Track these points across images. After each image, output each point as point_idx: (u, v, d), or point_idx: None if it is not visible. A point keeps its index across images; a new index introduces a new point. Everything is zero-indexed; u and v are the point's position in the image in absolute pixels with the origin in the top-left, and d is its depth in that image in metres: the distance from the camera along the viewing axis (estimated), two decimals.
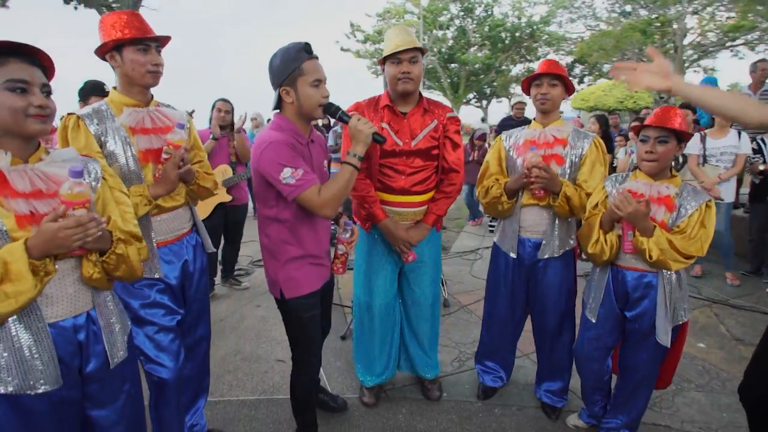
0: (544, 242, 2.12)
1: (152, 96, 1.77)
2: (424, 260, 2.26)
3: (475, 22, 25.21)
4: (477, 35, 25.19)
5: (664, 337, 1.81)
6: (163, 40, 1.71)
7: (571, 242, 2.15)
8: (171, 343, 1.75)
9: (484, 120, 21.07)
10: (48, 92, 1.17)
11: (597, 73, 24.17)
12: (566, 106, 23.55)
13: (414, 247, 2.18)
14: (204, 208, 3.57)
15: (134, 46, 1.61)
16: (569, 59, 25.08)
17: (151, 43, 1.64)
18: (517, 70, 27.37)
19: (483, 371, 2.50)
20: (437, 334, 2.47)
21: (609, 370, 2.06)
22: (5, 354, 1.10)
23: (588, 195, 2.00)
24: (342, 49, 24.87)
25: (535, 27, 23.24)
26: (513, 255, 2.19)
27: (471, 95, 28.87)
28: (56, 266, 1.14)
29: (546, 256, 2.12)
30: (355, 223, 2.17)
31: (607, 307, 1.93)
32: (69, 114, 1.61)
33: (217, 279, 4.04)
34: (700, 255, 1.72)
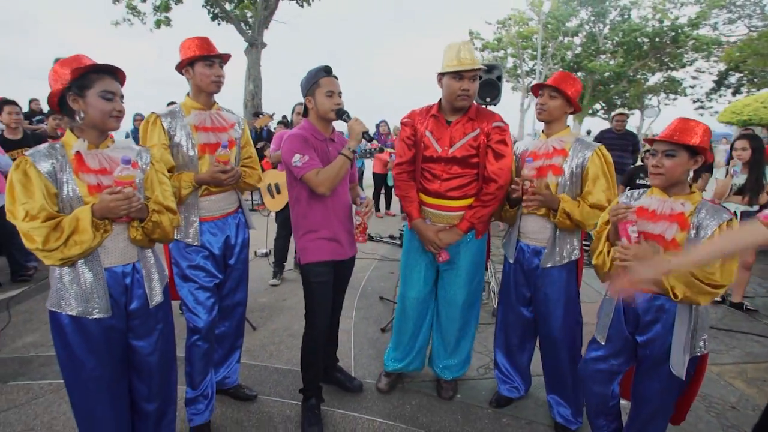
0: (546, 251, 2.11)
1: (215, 102, 2.19)
2: (459, 263, 2.34)
3: (607, 27, 23.32)
4: (608, 42, 23.26)
5: (679, 368, 1.67)
6: (225, 57, 2.12)
7: (576, 253, 2.08)
8: (207, 299, 2.13)
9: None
10: (122, 100, 1.58)
11: (758, 82, 20.54)
12: (712, 121, 20.48)
13: (449, 249, 2.28)
14: (280, 201, 4.07)
15: (203, 62, 2.04)
16: (722, 67, 21.81)
17: (215, 59, 2.06)
18: (656, 79, 24.60)
19: (500, 379, 2.49)
20: (468, 339, 2.50)
21: (616, 395, 1.94)
22: (74, 286, 1.52)
23: (591, 206, 1.97)
24: None
25: (680, 30, 20.59)
26: (511, 260, 2.24)
27: (597, 106, 26.72)
28: (113, 227, 1.55)
29: (549, 265, 2.10)
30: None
31: (615, 328, 1.83)
32: (152, 113, 2.09)
33: (289, 264, 4.52)
34: (729, 282, 1.56)
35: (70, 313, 1.50)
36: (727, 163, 4.03)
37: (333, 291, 2.26)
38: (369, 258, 5.10)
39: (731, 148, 4.00)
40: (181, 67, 2.10)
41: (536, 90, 2.14)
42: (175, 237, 2.11)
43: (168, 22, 11.15)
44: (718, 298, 4.02)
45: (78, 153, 1.50)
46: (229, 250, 2.23)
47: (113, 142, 1.63)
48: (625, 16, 22.77)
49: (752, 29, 20.82)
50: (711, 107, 23.83)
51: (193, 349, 2.13)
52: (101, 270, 1.54)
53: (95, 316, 1.52)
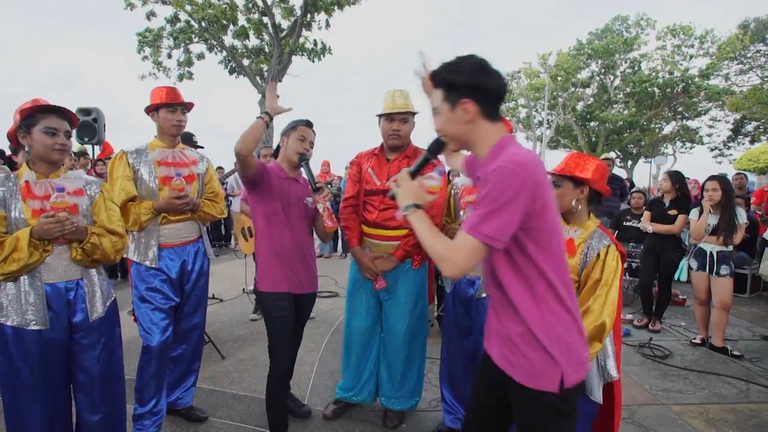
0: (480, 281, 2.20)
1: (179, 141, 2.47)
2: (398, 293, 2.46)
3: (618, 78, 23.85)
4: (620, 92, 23.70)
5: (595, 394, 1.74)
6: (188, 105, 2.44)
7: None
8: (161, 320, 2.30)
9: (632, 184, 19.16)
10: (69, 136, 1.81)
11: None
12: (730, 169, 20.22)
13: (387, 277, 2.41)
14: (253, 244, 4.29)
15: (166, 108, 2.35)
16: (737, 116, 21.81)
17: (177, 106, 2.36)
18: (671, 128, 24.67)
19: (446, 410, 2.52)
20: (414, 370, 2.56)
21: None
22: (15, 299, 1.69)
23: None
24: None
25: (690, 81, 20.89)
26: (448, 290, 2.34)
27: (613, 154, 26.80)
28: (54, 247, 1.73)
29: (483, 295, 2.18)
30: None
31: None
32: (121, 150, 2.38)
33: None
34: (606, 321, 1.61)
35: (11, 324, 1.67)
36: (698, 205, 4.08)
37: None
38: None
39: (702, 189, 4.06)
40: (148, 111, 2.41)
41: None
42: (135, 260, 2.33)
43: (190, 75, 12.11)
44: (697, 340, 3.94)
45: (27, 182, 1.73)
46: (186, 275, 2.43)
47: (65, 172, 1.85)
48: (635, 68, 23.29)
49: (765, 79, 20.99)
50: (730, 155, 23.64)
51: (145, 367, 2.27)
52: (41, 285, 1.71)
53: (32, 328, 1.68)
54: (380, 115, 2.43)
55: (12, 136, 1.75)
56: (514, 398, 1.30)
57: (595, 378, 1.73)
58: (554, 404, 1.22)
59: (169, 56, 12.32)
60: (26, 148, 1.73)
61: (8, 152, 4.91)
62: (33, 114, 1.71)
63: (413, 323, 2.49)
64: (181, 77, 12.26)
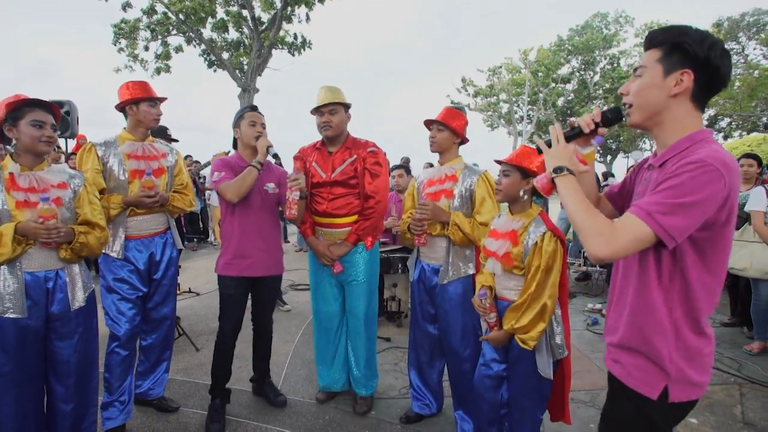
0: (442, 268, 2.28)
1: (149, 134, 2.48)
2: (356, 274, 2.56)
3: (597, 75, 24.28)
4: (599, 88, 24.14)
5: (545, 370, 1.82)
6: (161, 99, 2.46)
7: (470, 271, 2.26)
8: (128, 310, 2.32)
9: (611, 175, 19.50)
10: (54, 129, 1.84)
11: (748, 126, 21.02)
12: None
13: (344, 261, 2.51)
14: None
15: (147, 102, 2.37)
16: (711, 112, 22.40)
17: (157, 101, 2.39)
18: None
19: (414, 396, 2.59)
20: (373, 355, 2.68)
21: (503, 402, 2.03)
22: None
23: (480, 224, 2.17)
24: (452, 103, 25.90)
25: None
26: (412, 279, 2.43)
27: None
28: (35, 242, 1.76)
29: (445, 282, 2.26)
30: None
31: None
32: (89, 142, 2.37)
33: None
34: (548, 303, 1.73)
35: None
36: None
37: (253, 307, 2.49)
38: None
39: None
40: (124, 106, 2.40)
41: (428, 125, 2.40)
42: (103, 251, 2.33)
43: (168, 68, 11.92)
44: None
45: (11, 174, 1.75)
46: (154, 266, 2.44)
47: (49, 166, 1.88)
48: (615, 65, 23.74)
49: (737, 76, 21.59)
50: None
51: (112, 355, 2.30)
52: (21, 275, 1.73)
53: (9, 315, 1.70)
54: (313, 112, 2.53)
55: None
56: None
57: (545, 357, 1.82)
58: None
59: (146, 48, 12.11)
60: (13, 141, 1.75)
61: None
62: (20, 107, 1.73)
63: (372, 305, 2.61)
64: (158, 70, 12.06)
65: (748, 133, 21.25)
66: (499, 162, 1.90)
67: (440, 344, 2.47)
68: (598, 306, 4.75)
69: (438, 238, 2.33)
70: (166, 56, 11.87)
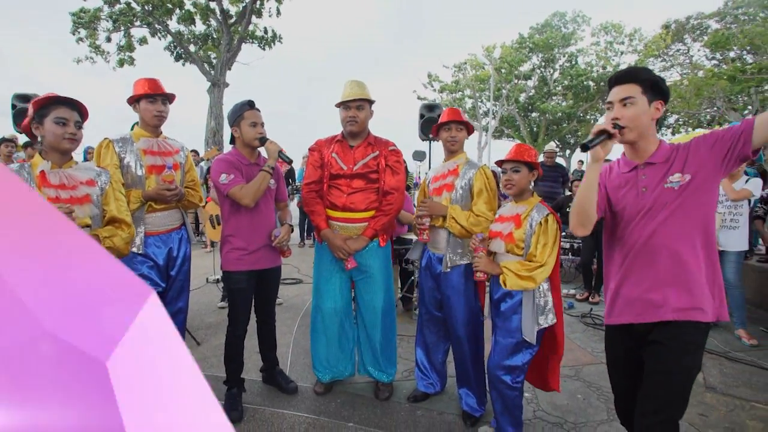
0: (444, 257, 2.49)
1: (161, 131, 2.53)
2: (371, 270, 2.66)
3: (557, 72, 25.24)
4: (559, 85, 25.11)
5: (531, 336, 2.04)
6: (170, 97, 2.49)
7: (468, 257, 2.47)
8: None
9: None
10: (79, 126, 1.89)
11: (693, 122, 22.55)
12: None
13: (358, 257, 2.60)
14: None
15: (146, 99, 2.39)
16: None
17: (158, 97, 2.42)
18: (604, 119, 26.44)
19: (419, 376, 2.79)
20: (392, 343, 2.79)
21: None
22: None
23: (476, 215, 2.37)
24: (419, 98, 26.26)
25: None
26: (416, 265, 2.60)
27: (553, 144, 28.41)
28: None
29: (447, 269, 2.48)
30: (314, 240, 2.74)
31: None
32: (106, 138, 2.40)
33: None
34: (549, 262, 1.96)
35: None
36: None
37: (258, 299, 2.60)
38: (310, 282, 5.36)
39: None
40: (130, 102, 2.45)
41: (436, 130, 2.57)
42: None
43: (132, 61, 11.52)
44: None
45: (42, 171, 1.80)
46: (172, 261, 2.51)
47: (76, 164, 1.93)
48: (573, 62, 24.76)
49: (683, 75, 23.06)
50: None
51: None
52: None
53: None
54: (338, 105, 2.60)
55: (27, 128, 1.80)
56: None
57: (530, 321, 2.03)
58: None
59: (108, 39, 11.61)
60: (39, 139, 1.78)
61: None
62: (46, 105, 1.76)
63: (388, 298, 2.71)
64: (121, 62, 11.60)
65: (694, 129, 22.86)
66: (501, 162, 2.11)
67: (445, 327, 2.67)
68: (572, 291, 5.12)
69: (441, 229, 2.51)
70: (129, 48, 11.43)
